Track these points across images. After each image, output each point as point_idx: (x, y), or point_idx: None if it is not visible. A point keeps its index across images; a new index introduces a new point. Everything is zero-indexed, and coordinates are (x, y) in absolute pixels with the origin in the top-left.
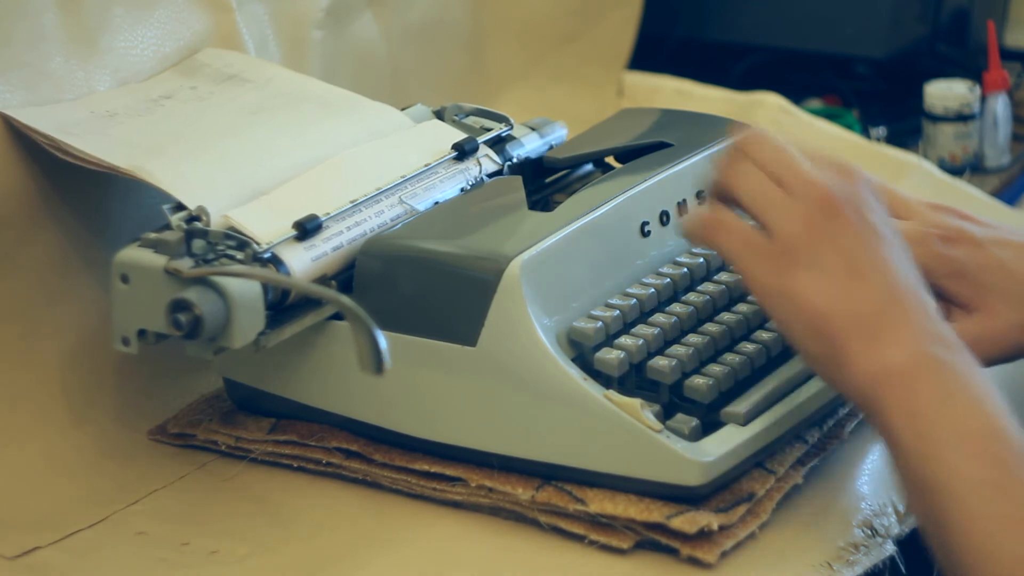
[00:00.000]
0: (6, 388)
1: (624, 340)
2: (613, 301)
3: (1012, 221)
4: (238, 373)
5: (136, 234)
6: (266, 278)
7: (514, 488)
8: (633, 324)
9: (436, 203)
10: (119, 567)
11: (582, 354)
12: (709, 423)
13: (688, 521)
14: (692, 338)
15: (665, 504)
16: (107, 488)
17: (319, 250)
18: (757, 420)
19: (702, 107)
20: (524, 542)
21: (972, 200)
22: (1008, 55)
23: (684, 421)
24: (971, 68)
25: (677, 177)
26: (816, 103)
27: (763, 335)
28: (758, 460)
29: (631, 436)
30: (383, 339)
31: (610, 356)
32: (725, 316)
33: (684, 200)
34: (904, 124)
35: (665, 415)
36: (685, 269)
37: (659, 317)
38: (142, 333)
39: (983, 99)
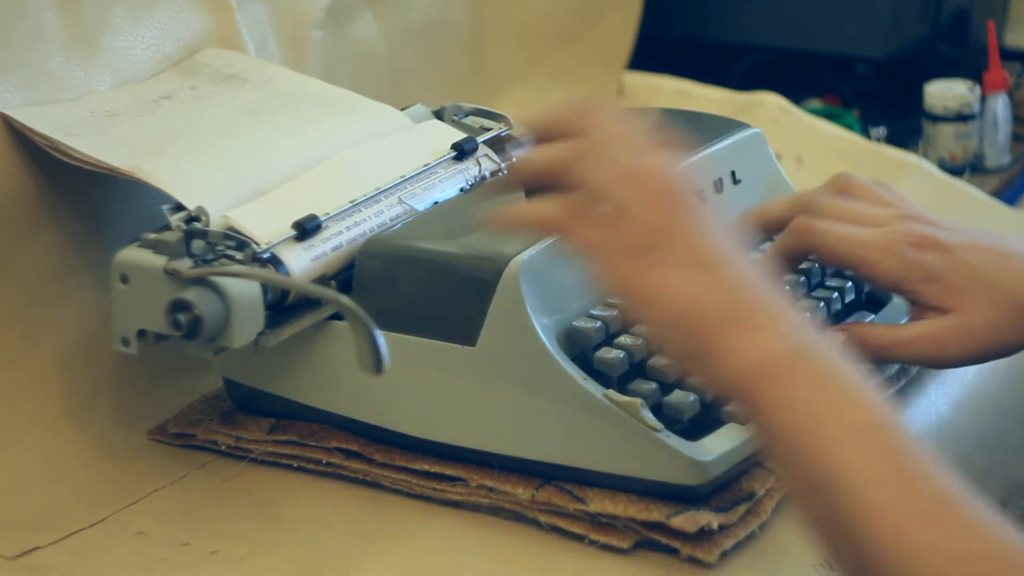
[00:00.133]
0: (6, 388)
1: (624, 339)
2: (613, 300)
3: (1012, 221)
4: (238, 373)
5: (136, 234)
6: (265, 278)
7: (514, 488)
8: (633, 323)
9: (436, 203)
10: (119, 567)
11: (582, 353)
12: (709, 422)
13: (688, 520)
14: None
15: (665, 503)
16: (107, 488)
17: (318, 250)
18: None
19: (702, 107)
20: (524, 542)
21: (972, 200)
22: (1008, 55)
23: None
24: (971, 68)
25: None
26: (816, 103)
27: None
28: (758, 459)
29: (631, 435)
30: (383, 339)
31: (610, 355)
32: None
33: None
34: (904, 124)
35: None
36: None
37: None
38: (142, 333)
39: (983, 99)
